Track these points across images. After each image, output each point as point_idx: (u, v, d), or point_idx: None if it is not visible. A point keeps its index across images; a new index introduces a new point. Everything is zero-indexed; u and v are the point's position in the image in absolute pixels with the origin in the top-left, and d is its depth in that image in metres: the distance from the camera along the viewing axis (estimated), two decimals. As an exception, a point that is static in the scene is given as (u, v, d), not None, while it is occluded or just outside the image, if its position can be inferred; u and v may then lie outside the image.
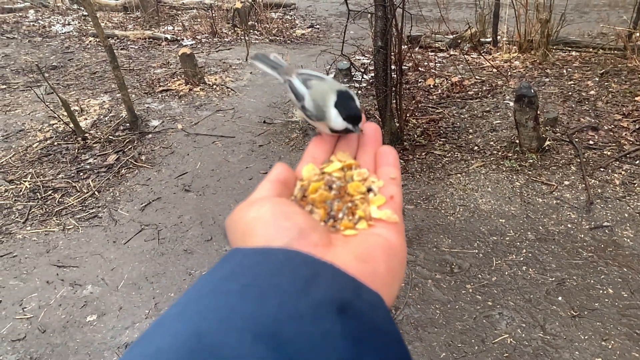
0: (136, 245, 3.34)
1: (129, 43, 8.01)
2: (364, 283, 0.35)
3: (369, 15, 4.29)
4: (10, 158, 4.44)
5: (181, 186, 3.99)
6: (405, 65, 5.75)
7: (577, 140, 4.13)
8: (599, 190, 3.53)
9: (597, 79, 5.26)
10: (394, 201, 0.46)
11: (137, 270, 3.12)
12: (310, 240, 0.38)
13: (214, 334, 0.28)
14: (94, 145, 4.62)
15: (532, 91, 3.69)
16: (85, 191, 3.95)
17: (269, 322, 0.29)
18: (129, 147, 4.59)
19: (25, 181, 4.06)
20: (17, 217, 3.65)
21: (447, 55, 6.66)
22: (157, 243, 3.34)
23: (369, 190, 0.46)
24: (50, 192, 3.94)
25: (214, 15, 8.84)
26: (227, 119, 5.17)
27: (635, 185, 3.55)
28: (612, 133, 4.21)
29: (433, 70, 5.96)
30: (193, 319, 0.30)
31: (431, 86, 5.56)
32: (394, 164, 0.50)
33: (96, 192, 3.93)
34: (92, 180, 4.09)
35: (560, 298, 2.68)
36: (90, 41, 8.15)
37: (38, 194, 3.92)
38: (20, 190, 3.96)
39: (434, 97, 5.32)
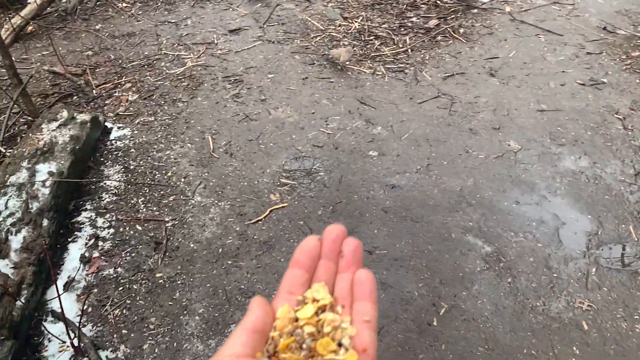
0: (428, 108, 3.50)
1: None
2: None
3: None
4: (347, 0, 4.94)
5: (487, 69, 3.88)
6: None
7: None
8: None
9: None
10: (367, 354, 0.45)
11: (422, 129, 3.31)
12: None
13: None
14: (422, 5, 4.75)
15: None
16: (401, 46, 4.20)
17: None
18: (452, 16, 4.58)
19: (355, 21, 4.53)
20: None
21: None
22: (448, 113, 3.44)
23: (340, 345, 0.46)
24: (372, 38, 4.33)
25: None
26: (562, 14, 4.60)
27: None
28: None
29: None
30: None
31: None
32: (370, 296, 0.49)
33: (409, 50, 4.15)
34: (409, 38, 4.30)
35: None
36: None
37: (362, 36, 4.35)
38: (349, 29, 4.45)
39: None
